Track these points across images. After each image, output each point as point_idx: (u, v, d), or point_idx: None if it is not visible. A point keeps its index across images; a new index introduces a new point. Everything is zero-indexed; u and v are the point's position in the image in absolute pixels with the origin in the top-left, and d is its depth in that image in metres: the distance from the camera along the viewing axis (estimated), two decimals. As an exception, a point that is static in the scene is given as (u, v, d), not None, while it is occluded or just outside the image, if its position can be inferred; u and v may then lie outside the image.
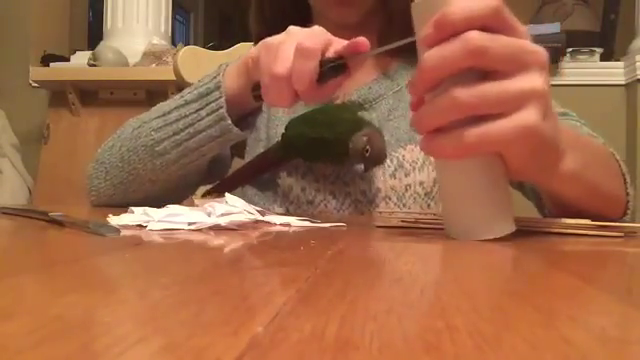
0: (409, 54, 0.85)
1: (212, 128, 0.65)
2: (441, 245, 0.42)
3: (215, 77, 0.66)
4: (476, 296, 0.24)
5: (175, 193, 0.75)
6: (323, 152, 0.73)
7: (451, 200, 0.44)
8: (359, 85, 0.81)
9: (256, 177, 0.78)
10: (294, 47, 0.54)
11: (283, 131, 0.74)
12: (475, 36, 0.37)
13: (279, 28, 0.90)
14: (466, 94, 0.37)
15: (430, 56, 0.38)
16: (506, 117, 0.38)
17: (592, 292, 0.25)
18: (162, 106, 0.70)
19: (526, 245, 0.43)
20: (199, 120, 0.65)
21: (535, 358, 0.15)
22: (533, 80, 0.39)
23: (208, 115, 0.65)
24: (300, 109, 0.76)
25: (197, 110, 0.65)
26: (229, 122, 0.65)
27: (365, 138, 0.68)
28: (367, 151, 0.68)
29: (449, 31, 0.38)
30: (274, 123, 0.80)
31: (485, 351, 0.15)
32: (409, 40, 0.44)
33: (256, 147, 0.81)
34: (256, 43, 0.92)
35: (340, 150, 0.70)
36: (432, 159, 0.49)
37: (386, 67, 0.83)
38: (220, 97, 0.64)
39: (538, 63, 0.39)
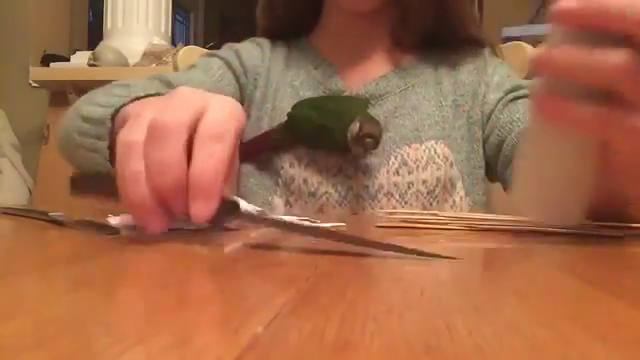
0: (421, 49, 0.85)
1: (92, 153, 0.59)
2: (441, 245, 0.42)
3: (118, 106, 0.55)
4: (476, 296, 0.24)
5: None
6: (325, 140, 0.73)
7: (534, 172, 0.42)
8: (367, 80, 0.81)
9: (255, 156, 0.78)
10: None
11: (289, 110, 0.74)
12: None
13: (289, 21, 0.90)
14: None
15: (588, 54, 0.35)
16: None
17: (592, 292, 0.25)
18: (89, 105, 0.63)
19: (526, 245, 0.43)
20: (90, 149, 0.59)
21: (535, 358, 0.15)
22: None
23: (94, 152, 0.58)
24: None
25: (93, 136, 0.59)
26: (103, 154, 0.57)
27: (358, 123, 0.68)
28: (359, 135, 0.68)
29: (594, 20, 0.34)
30: (278, 117, 0.80)
31: (485, 351, 0.15)
32: None
33: (257, 128, 0.81)
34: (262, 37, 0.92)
35: (343, 142, 0.70)
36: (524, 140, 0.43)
37: (398, 62, 0.83)
38: (101, 136, 0.57)
39: None
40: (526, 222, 0.48)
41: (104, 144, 0.57)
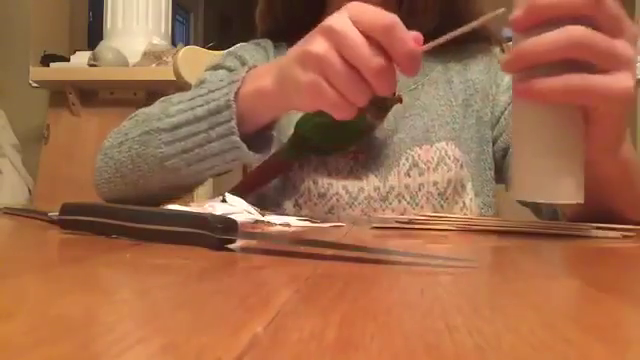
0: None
1: (225, 153, 0.60)
2: (441, 245, 0.42)
3: (227, 92, 0.59)
4: (476, 296, 0.24)
5: (182, 191, 0.73)
6: (337, 136, 0.72)
7: (527, 154, 0.43)
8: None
9: (270, 180, 0.77)
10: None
11: (292, 131, 0.74)
12: (579, 31, 0.39)
13: (289, 24, 0.88)
14: (581, 31, 0.39)
15: (532, 42, 0.40)
16: (608, 75, 0.40)
17: (592, 292, 0.25)
18: (170, 111, 0.63)
19: (526, 245, 0.43)
20: (209, 142, 0.59)
21: (535, 358, 0.15)
22: (623, 79, 0.41)
23: (219, 138, 0.59)
24: None
25: (207, 130, 0.59)
26: (243, 149, 0.58)
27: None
28: (382, 102, 0.68)
29: (542, 17, 0.40)
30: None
31: (485, 351, 0.15)
32: (466, 29, 0.44)
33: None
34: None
35: (360, 124, 0.69)
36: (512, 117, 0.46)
37: None
38: (230, 120, 0.58)
39: (627, 63, 0.41)
40: (524, 224, 0.48)
41: (234, 136, 0.57)
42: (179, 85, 0.95)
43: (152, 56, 2.17)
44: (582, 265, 0.34)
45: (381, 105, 0.68)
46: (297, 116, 0.73)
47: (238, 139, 0.58)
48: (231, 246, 0.35)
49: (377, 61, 0.46)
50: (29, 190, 2.35)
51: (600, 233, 0.47)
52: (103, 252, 0.34)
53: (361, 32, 0.46)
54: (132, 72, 2.19)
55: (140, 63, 2.20)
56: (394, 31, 0.45)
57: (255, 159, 0.62)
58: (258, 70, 0.60)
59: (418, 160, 0.75)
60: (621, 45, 0.41)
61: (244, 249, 0.36)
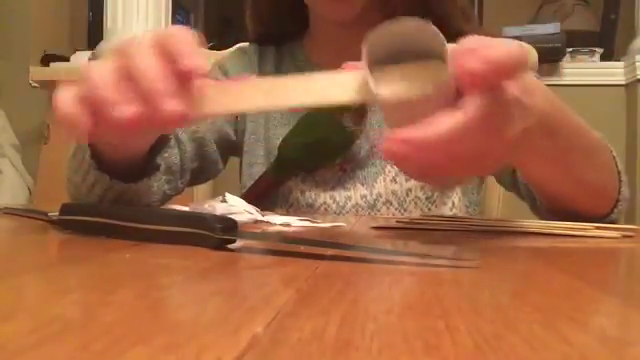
0: None
1: (99, 183, 0.54)
2: (441, 245, 0.42)
3: None
4: (476, 296, 0.24)
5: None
6: (323, 153, 0.73)
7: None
8: None
9: (265, 197, 0.77)
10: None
11: (277, 151, 0.75)
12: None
13: (276, 27, 0.89)
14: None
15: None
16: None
17: (592, 292, 0.25)
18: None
19: (526, 245, 0.43)
20: (88, 173, 0.54)
21: (535, 358, 0.15)
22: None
23: (90, 170, 0.54)
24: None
25: (82, 160, 0.54)
26: (105, 180, 0.53)
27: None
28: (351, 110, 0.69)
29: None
30: (272, 124, 0.80)
31: (485, 351, 0.15)
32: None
33: (254, 147, 0.81)
34: (252, 42, 0.91)
35: (342, 136, 0.70)
36: None
37: None
38: (86, 153, 0.53)
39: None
40: (524, 224, 0.48)
41: (90, 161, 0.52)
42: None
43: (152, 56, 2.17)
44: (582, 265, 0.34)
45: (353, 105, 0.69)
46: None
47: (97, 172, 0.53)
48: (231, 246, 0.35)
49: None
50: (29, 190, 2.35)
51: (600, 233, 0.47)
52: (103, 252, 0.34)
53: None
54: (132, 72, 2.18)
55: (140, 63, 2.19)
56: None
57: (134, 187, 0.55)
58: None
59: None
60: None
61: (244, 249, 0.36)
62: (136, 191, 0.55)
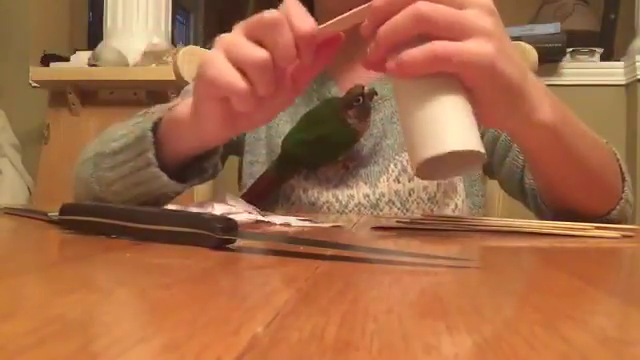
0: None
1: (150, 182, 0.58)
2: (441, 245, 0.42)
3: (149, 121, 0.57)
4: (476, 296, 0.24)
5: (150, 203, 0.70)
6: (327, 150, 0.73)
7: (414, 126, 0.41)
8: (362, 84, 0.80)
9: (267, 196, 0.77)
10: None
11: (280, 147, 0.75)
12: (420, 6, 0.40)
13: None
14: (426, 7, 0.41)
15: (383, 27, 0.42)
16: (466, 42, 0.41)
17: (592, 292, 0.25)
18: (116, 135, 0.61)
19: (526, 245, 0.43)
20: (138, 170, 0.58)
21: (535, 358, 0.15)
22: (481, 44, 0.41)
23: (144, 168, 0.57)
24: (299, 108, 0.76)
25: (135, 157, 0.58)
26: (163, 179, 0.57)
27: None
28: (360, 97, 0.69)
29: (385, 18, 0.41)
30: (275, 122, 0.80)
31: (485, 351, 0.15)
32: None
33: (256, 146, 0.81)
34: None
35: (345, 134, 0.70)
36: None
37: None
38: (147, 150, 0.56)
39: (483, 30, 0.42)
40: (524, 225, 0.48)
41: (151, 154, 0.56)
42: (179, 85, 0.95)
43: (152, 56, 2.17)
44: (582, 265, 0.34)
45: (356, 102, 0.69)
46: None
47: (156, 170, 0.56)
48: (231, 246, 0.35)
49: (259, 54, 0.45)
50: (29, 190, 2.35)
51: (600, 233, 0.47)
52: (103, 252, 0.34)
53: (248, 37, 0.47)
54: (132, 72, 2.19)
55: (140, 63, 2.20)
56: (275, 26, 0.46)
57: (181, 188, 0.59)
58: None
59: (407, 165, 0.75)
60: (471, 14, 0.42)
61: (244, 249, 0.36)
62: (178, 192, 0.60)
